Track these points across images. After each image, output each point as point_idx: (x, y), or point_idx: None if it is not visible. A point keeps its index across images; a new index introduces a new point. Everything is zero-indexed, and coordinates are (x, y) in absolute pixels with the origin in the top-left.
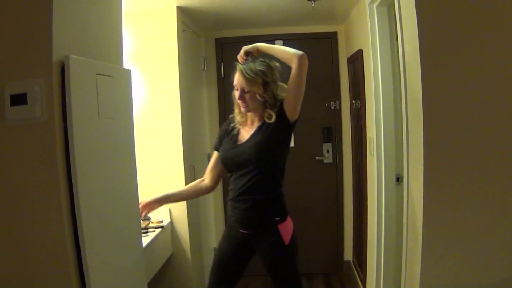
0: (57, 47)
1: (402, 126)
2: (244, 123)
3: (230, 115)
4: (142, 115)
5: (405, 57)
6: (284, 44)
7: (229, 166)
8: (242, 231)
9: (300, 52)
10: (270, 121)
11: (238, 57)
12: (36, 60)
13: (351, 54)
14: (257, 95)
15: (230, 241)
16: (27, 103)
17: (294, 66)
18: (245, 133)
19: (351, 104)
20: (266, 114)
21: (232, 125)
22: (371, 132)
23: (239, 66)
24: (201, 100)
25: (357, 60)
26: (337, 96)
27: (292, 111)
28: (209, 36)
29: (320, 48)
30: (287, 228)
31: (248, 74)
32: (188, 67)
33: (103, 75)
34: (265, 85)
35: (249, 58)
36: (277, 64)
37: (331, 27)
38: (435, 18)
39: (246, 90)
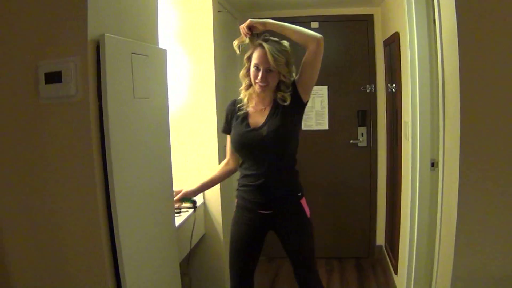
0: (92, 25)
1: (439, 111)
2: (253, 105)
3: None
4: (180, 96)
5: (443, 41)
6: (319, 26)
7: (245, 150)
8: (262, 211)
9: (319, 35)
10: (285, 103)
11: (241, 27)
12: (71, 39)
13: (387, 37)
14: (281, 75)
15: (249, 225)
16: (62, 81)
17: (312, 48)
18: (258, 116)
19: (387, 87)
20: (279, 96)
21: (238, 106)
22: (406, 116)
23: (265, 46)
24: (235, 82)
25: (393, 43)
26: (372, 80)
27: (306, 92)
28: (245, 17)
29: (356, 30)
30: (306, 203)
31: (277, 55)
32: (223, 48)
33: (139, 54)
34: (288, 65)
35: (253, 33)
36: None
37: (367, 9)
38: (473, 0)
39: (271, 69)
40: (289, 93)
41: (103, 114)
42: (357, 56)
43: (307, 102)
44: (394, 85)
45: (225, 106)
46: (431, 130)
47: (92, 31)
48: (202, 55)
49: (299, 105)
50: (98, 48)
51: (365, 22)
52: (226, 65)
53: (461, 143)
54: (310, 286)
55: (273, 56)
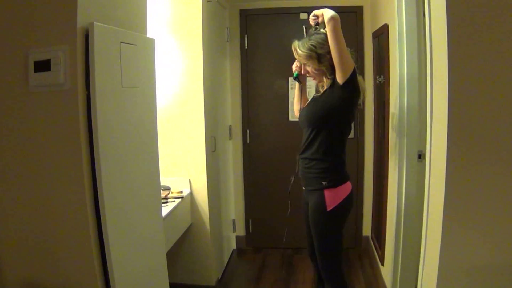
0: (81, 14)
1: (426, 103)
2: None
3: (252, 87)
4: (167, 85)
5: (432, 33)
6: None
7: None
8: (303, 187)
9: (329, 15)
10: (322, 90)
11: (310, 17)
12: (60, 27)
13: (376, 28)
14: (314, 70)
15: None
16: (51, 70)
17: (328, 30)
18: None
19: (375, 79)
20: (321, 84)
21: None
22: (394, 107)
23: (293, 44)
24: (223, 71)
25: (382, 35)
26: (360, 71)
27: (340, 74)
28: (234, 7)
29: (345, 22)
30: (334, 196)
31: (301, 50)
32: (212, 38)
33: (127, 43)
34: (319, 57)
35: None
36: None
37: (356, 1)
38: None
39: (304, 63)
40: (329, 81)
41: (91, 103)
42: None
43: (347, 81)
44: (382, 77)
45: (212, 95)
46: (418, 122)
47: (81, 20)
48: (190, 45)
49: (336, 88)
50: (87, 37)
51: (354, 14)
52: (215, 54)
53: (448, 135)
54: (324, 275)
55: (297, 53)
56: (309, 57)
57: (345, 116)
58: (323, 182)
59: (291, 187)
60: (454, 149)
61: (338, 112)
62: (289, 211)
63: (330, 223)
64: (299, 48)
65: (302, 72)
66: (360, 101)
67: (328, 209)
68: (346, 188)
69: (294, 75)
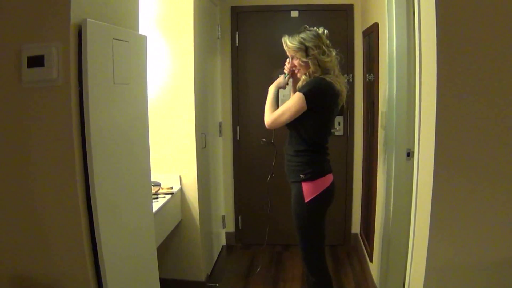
0: (75, 10)
1: (415, 101)
2: None
3: (242, 84)
4: (157, 82)
5: (421, 32)
6: (299, 15)
7: None
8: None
9: (267, 121)
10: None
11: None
12: (53, 23)
13: (366, 27)
14: (301, 61)
15: None
16: (44, 66)
17: None
18: None
19: (365, 77)
20: (301, 79)
21: None
22: (383, 106)
23: (283, 37)
24: (214, 68)
25: (372, 34)
26: (350, 69)
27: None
28: (225, 4)
29: (336, 20)
30: (312, 188)
31: (291, 43)
32: (202, 35)
33: (120, 40)
34: (307, 50)
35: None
36: (325, 30)
37: None
38: None
39: (292, 56)
40: (307, 79)
41: (83, 99)
42: (336, 45)
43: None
44: (372, 75)
45: (202, 92)
46: (407, 120)
47: (75, 16)
48: (181, 42)
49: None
50: (80, 33)
51: (345, 12)
52: (206, 52)
53: (436, 133)
54: (306, 267)
55: (287, 44)
56: (298, 49)
57: (316, 118)
58: (301, 175)
59: (269, 179)
60: (442, 148)
61: (305, 116)
62: (269, 209)
63: (309, 215)
64: (289, 41)
65: (289, 65)
66: (340, 102)
67: (306, 201)
68: (325, 181)
69: (285, 75)
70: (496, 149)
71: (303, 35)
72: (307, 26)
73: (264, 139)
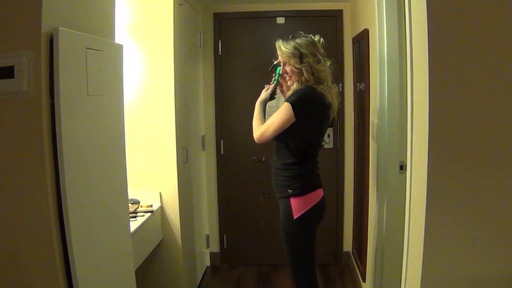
0: (46, 18)
1: (407, 112)
2: None
3: (226, 95)
4: (133, 92)
5: (413, 39)
6: (285, 22)
7: None
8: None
9: (256, 136)
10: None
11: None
12: (24, 32)
13: (356, 33)
14: (294, 68)
15: None
16: (14, 77)
17: None
18: None
19: (355, 86)
20: (292, 87)
21: None
22: (374, 116)
23: (277, 42)
24: (196, 78)
25: (362, 40)
26: (340, 78)
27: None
28: (207, 10)
29: (324, 26)
30: (301, 204)
31: (286, 48)
32: (183, 43)
33: (94, 49)
34: (302, 56)
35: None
36: (321, 39)
37: (336, 5)
38: None
39: (285, 62)
40: (298, 85)
41: (55, 112)
42: (324, 53)
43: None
44: (362, 84)
45: (183, 103)
46: (400, 132)
47: (46, 25)
48: (161, 51)
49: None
50: (51, 43)
51: (334, 18)
52: (187, 61)
53: (429, 145)
54: (295, 286)
55: (281, 49)
56: (292, 54)
57: (305, 129)
58: (289, 190)
59: (261, 200)
60: (436, 160)
61: (293, 127)
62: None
63: (298, 232)
64: (283, 45)
65: (281, 71)
66: (331, 114)
67: (295, 217)
68: (315, 196)
69: (275, 81)
70: (492, 162)
71: (298, 40)
72: (302, 32)
73: (254, 157)
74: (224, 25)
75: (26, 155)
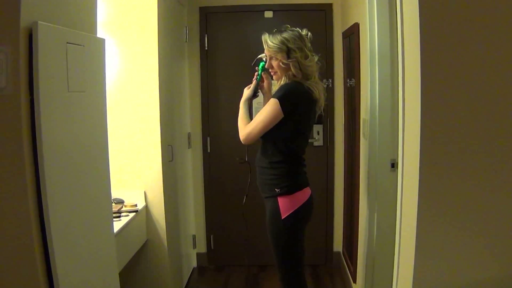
0: (25, 12)
1: (399, 108)
2: None
3: (213, 91)
4: (116, 89)
5: (404, 33)
6: (274, 16)
7: None
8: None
9: (242, 136)
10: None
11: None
12: (2, 27)
13: (346, 28)
14: (281, 63)
15: None
16: None
17: None
18: None
19: (345, 82)
20: (278, 83)
21: None
22: (365, 113)
23: (264, 36)
24: (181, 74)
25: (353, 35)
26: (330, 74)
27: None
28: (193, 4)
29: (313, 21)
30: (289, 203)
31: (272, 42)
32: (168, 38)
33: (74, 44)
34: (289, 51)
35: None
36: (309, 33)
37: None
38: None
39: (271, 56)
40: (285, 80)
41: (35, 109)
42: (314, 48)
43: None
44: (353, 80)
45: (168, 99)
46: (391, 129)
47: (25, 19)
48: (144, 46)
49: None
50: (30, 37)
51: (323, 12)
52: (172, 56)
53: (421, 143)
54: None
55: (267, 44)
56: (279, 49)
57: (292, 126)
58: (276, 189)
59: (244, 202)
60: (427, 158)
61: (280, 124)
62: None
63: (286, 232)
64: (269, 40)
65: (267, 65)
66: (317, 109)
67: (283, 217)
68: (303, 195)
69: (257, 79)
70: (485, 160)
71: (285, 34)
72: (289, 26)
73: (238, 158)
74: (211, 19)
75: (5, 153)
